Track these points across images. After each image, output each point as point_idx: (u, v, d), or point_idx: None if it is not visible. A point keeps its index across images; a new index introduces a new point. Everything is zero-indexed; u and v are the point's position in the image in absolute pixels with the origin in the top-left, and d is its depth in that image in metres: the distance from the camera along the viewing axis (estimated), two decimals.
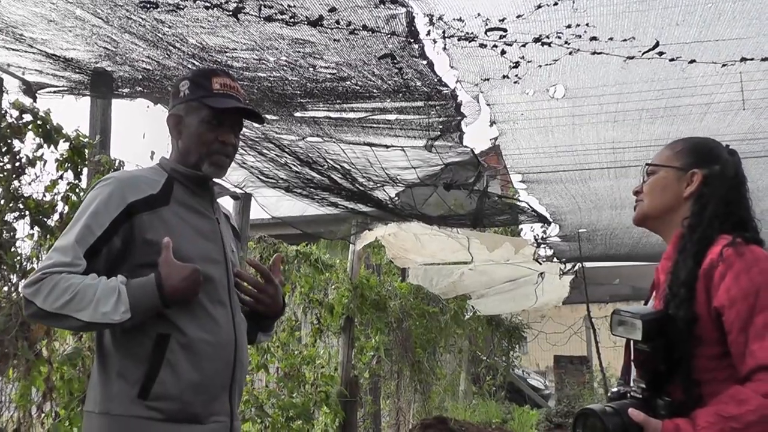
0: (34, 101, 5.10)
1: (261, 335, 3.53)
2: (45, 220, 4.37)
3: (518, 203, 8.25)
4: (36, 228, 4.33)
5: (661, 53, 4.40)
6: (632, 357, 2.70)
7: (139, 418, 2.85)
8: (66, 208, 4.46)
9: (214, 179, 3.27)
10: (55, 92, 5.24)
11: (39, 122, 4.34)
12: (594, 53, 4.40)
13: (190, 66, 4.55)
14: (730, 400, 2.37)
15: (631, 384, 2.75)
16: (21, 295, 3.02)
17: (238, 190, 6.49)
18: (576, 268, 12.60)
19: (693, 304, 2.55)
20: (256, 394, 7.15)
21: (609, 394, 2.76)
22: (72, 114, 5.36)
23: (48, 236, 4.33)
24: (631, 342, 2.72)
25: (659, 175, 2.92)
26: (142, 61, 4.65)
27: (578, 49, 4.35)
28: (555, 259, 12.18)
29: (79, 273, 2.82)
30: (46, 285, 2.76)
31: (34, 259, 4.27)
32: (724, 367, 2.51)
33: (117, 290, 2.77)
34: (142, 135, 5.78)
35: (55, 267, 2.80)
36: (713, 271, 2.55)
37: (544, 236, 10.36)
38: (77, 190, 4.52)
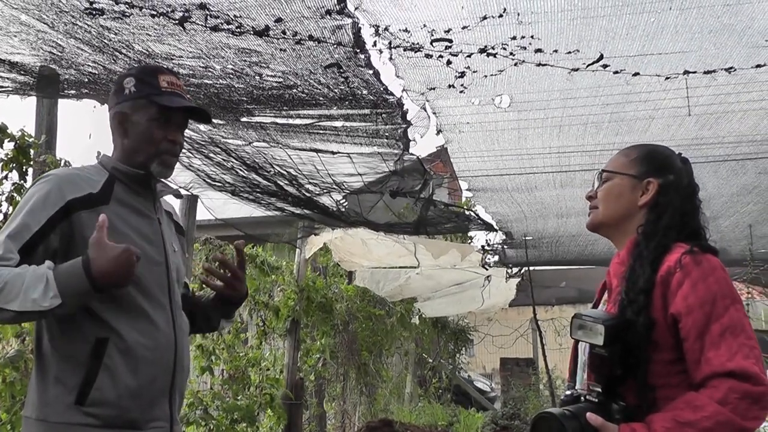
0: None
1: (224, 321, 3.56)
2: None
3: (465, 211, 8.29)
4: None
5: (605, 66, 4.45)
6: (588, 361, 2.72)
7: (76, 425, 2.83)
8: (10, 208, 4.41)
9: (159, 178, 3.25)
10: None
11: None
12: (539, 65, 4.45)
13: None
14: (686, 406, 2.41)
15: (579, 386, 2.80)
16: None
17: (184, 192, 6.45)
18: (522, 271, 12.66)
19: (651, 311, 2.59)
20: (200, 397, 7.13)
21: (563, 397, 2.76)
22: (17, 113, 5.31)
23: None
24: (584, 345, 2.77)
25: (614, 182, 2.94)
26: (88, 65, 4.62)
27: (523, 61, 4.40)
28: (502, 265, 12.23)
29: (11, 266, 2.76)
30: None
31: None
32: (677, 373, 2.55)
33: (45, 276, 2.70)
34: (88, 135, 5.76)
35: None
36: (670, 278, 2.59)
37: (494, 243, 10.42)
38: (22, 191, 4.47)
